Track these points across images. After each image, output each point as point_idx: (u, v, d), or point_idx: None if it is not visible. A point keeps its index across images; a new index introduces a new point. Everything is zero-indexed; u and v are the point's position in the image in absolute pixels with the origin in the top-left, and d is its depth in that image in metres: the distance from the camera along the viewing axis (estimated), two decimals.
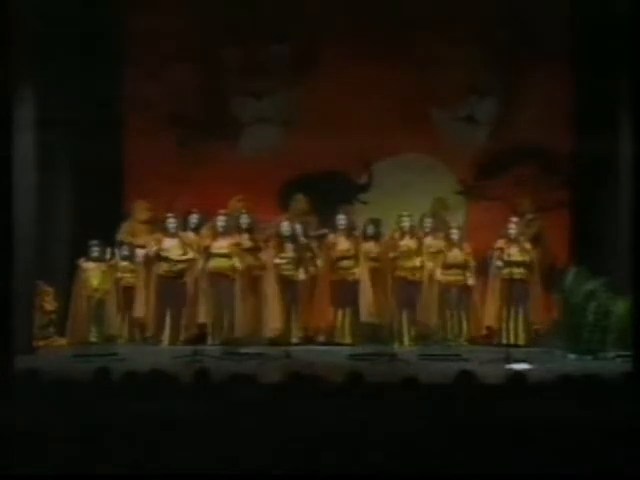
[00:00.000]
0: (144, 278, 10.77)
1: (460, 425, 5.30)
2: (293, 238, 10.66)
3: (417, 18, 11.41)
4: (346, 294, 10.64)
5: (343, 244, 10.73)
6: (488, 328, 10.55)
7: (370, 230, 10.83)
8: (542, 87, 11.49)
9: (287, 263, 10.55)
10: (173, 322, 10.61)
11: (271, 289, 10.50)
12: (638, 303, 7.71)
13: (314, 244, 10.84)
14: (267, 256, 10.60)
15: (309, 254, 10.70)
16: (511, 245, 10.34)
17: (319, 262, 10.70)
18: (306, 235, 10.81)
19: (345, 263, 10.67)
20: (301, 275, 10.54)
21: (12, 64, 8.13)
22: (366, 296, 10.57)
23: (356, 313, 10.63)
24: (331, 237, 10.85)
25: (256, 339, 10.33)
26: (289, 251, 10.60)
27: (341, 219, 10.83)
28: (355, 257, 10.68)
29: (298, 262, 10.55)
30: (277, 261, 10.54)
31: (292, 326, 10.55)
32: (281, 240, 10.64)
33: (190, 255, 10.58)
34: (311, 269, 10.65)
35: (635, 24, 8.25)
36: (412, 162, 11.76)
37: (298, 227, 10.77)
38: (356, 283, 10.64)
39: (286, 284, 10.54)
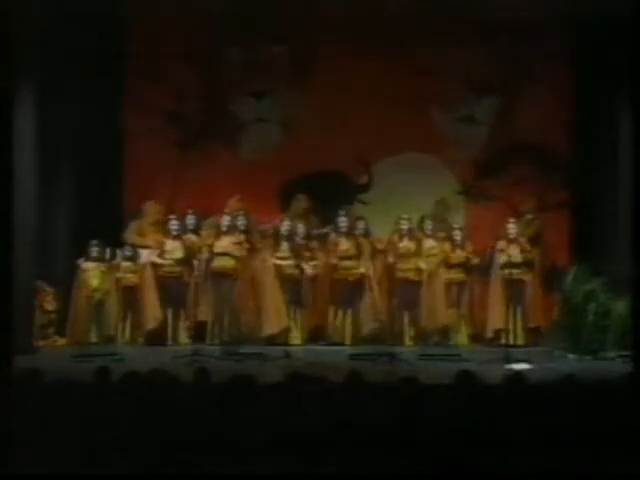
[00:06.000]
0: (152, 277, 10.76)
1: (460, 424, 5.31)
2: (290, 237, 10.67)
3: (417, 18, 11.39)
4: (347, 294, 10.65)
5: (344, 244, 10.73)
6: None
7: (360, 227, 10.83)
8: (542, 87, 11.49)
9: (286, 263, 10.57)
10: (174, 322, 10.63)
11: (270, 289, 10.50)
12: (638, 303, 7.72)
13: (314, 244, 10.85)
14: (267, 256, 10.61)
15: (307, 254, 10.71)
16: (510, 245, 10.35)
17: (318, 262, 10.72)
18: (308, 235, 10.83)
19: (346, 263, 10.67)
20: (298, 274, 10.57)
21: (14, 67, 8.13)
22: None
23: (356, 313, 10.63)
24: (332, 237, 10.85)
25: (256, 339, 10.34)
26: (287, 251, 10.62)
27: (342, 221, 10.82)
28: (356, 257, 10.68)
29: (296, 262, 10.58)
30: (276, 261, 10.56)
31: (292, 326, 10.57)
32: (279, 240, 10.65)
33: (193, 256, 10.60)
34: (310, 268, 10.65)
35: (635, 24, 8.27)
36: (412, 162, 11.75)
37: (300, 227, 10.79)
38: (356, 283, 10.65)
39: (286, 284, 10.56)
